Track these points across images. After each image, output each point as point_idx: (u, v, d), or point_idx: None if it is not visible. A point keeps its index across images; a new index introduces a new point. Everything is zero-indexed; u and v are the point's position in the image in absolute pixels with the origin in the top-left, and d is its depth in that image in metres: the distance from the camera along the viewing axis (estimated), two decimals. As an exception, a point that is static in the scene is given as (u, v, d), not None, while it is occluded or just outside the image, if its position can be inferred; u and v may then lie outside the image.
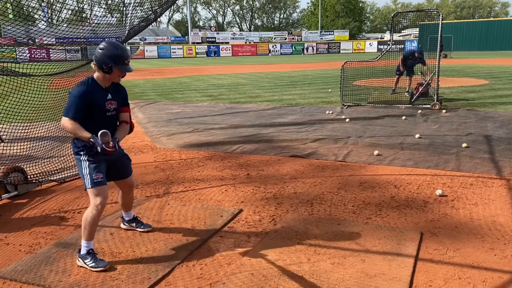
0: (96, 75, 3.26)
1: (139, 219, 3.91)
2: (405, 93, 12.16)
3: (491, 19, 73.94)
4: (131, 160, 3.70)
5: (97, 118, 3.23)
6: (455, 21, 70.23)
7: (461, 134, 7.63)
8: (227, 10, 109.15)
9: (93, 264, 3.18)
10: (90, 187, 3.21)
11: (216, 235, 3.76)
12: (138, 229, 3.84)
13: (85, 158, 3.24)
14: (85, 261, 3.20)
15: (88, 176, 3.22)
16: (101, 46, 3.20)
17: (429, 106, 10.57)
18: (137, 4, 5.93)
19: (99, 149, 3.11)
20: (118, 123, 3.42)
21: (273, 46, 62.44)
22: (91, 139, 3.11)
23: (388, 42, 12.07)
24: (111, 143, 3.16)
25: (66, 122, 3.13)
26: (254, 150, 6.87)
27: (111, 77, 3.26)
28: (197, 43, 63.58)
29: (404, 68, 12.38)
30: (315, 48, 62.77)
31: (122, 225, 3.93)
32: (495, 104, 11.11)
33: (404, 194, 4.73)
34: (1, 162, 4.99)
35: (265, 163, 6.11)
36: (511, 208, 4.25)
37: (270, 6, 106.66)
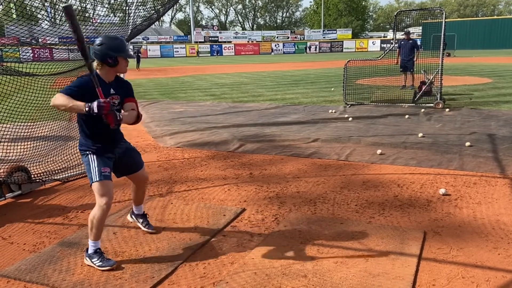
0: (99, 71, 3.19)
1: (147, 217, 3.90)
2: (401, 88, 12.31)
3: (495, 17, 73.69)
4: (140, 153, 3.67)
5: None
6: (458, 19, 69.99)
7: (465, 133, 7.61)
8: (229, 9, 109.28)
9: (100, 263, 3.19)
10: (97, 179, 3.16)
11: (219, 234, 3.77)
12: (142, 227, 3.83)
13: (93, 158, 3.24)
14: (92, 260, 3.21)
15: (96, 169, 3.19)
16: (97, 42, 3.14)
17: (432, 105, 10.54)
18: (139, 4, 5.93)
19: (95, 108, 2.90)
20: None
21: (275, 45, 62.46)
22: (86, 107, 2.93)
23: (391, 41, 12.04)
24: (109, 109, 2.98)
25: (57, 95, 2.97)
26: (256, 149, 6.87)
27: (118, 69, 3.23)
28: (200, 42, 63.62)
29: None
30: (317, 47, 62.73)
31: (128, 217, 3.94)
32: (499, 102, 11.07)
33: (407, 193, 4.72)
34: (4, 162, 5.01)
35: (268, 162, 6.11)
36: (515, 207, 4.23)
37: (273, 5, 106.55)
